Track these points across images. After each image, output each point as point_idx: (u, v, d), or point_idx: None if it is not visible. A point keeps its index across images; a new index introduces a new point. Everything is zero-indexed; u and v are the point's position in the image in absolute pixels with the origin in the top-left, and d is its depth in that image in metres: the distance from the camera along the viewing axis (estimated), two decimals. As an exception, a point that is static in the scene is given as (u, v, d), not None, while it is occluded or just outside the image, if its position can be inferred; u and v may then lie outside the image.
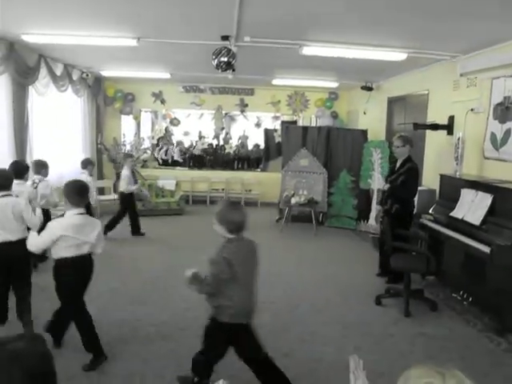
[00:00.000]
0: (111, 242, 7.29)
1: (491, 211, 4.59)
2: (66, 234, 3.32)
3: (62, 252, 3.39)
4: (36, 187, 5.31)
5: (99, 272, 5.62)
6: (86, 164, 7.29)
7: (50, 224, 3.44)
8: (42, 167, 5.74)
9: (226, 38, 5.65)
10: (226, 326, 2.93)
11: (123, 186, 7.65)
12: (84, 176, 6.59)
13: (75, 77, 8.76)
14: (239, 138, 15.30)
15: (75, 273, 3.48)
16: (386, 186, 5.59)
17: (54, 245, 3.36)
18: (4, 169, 4.21)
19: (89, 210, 5.50)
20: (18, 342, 1.26)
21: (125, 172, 7.74)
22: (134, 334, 4.10)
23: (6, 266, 3.92)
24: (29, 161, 6.88)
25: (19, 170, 4.87)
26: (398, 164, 5.60)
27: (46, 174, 5.78)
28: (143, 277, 5.64)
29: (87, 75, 9.06)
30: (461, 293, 4.94)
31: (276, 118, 14.92)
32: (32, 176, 5.57)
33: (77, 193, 3.44)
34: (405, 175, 5.34)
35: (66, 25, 5.41)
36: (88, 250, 3.55)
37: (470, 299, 4.78)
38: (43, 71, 7.28)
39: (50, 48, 6.69)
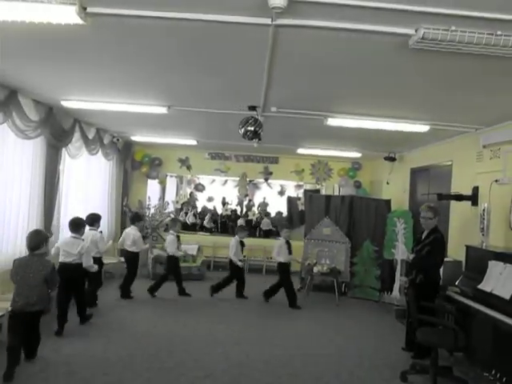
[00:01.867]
0: (127, 305, 7.24)
1: (521, 285, 4.43)
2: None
3: None
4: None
5: (115, 337, 5.60)
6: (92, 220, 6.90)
7: None
8: (95, 221, 6.81)
9: (253, 108, 5.87)
10: None
11: (171, 250, 7.97)
12: (93, 232, 6.69)
13: (106, 141, 9.12)
14: (259, 205, 15.43)
15: None
16: (412, 256, 5.50)
17: None
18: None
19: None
20: None
21: (171, 236, 8.09)
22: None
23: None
24: (55, 220, 7.06)
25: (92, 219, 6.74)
26: (424, 234, 5.51)
27: (98, 227, 6.85)
28: (159, 342, 5.52)
29: (118, 140, 9.42)
30: (493, 372, 4.66)
31: (299, 186, 15.09)
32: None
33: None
34: (431, 245, 5.26)
35: (101, 93, 5.72)
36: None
37: (504, 380, 4.51)
38: (77, 135, 7.62)
39: (84, 113, 7.04)
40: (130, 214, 9.15)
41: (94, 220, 6.71)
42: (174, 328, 6.11)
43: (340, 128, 6.59)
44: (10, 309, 4.37)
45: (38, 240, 4.51)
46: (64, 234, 7.68)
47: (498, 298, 4.61)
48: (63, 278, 5.26)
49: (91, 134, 8.34)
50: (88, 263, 5.80)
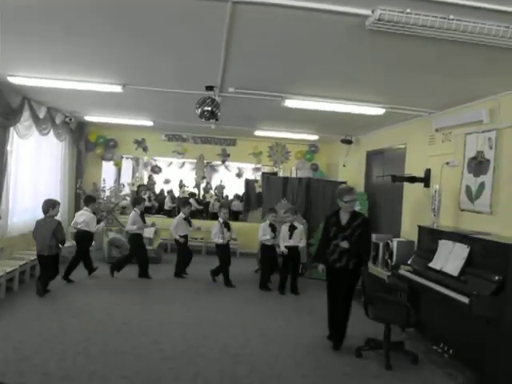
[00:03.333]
0: (82, 289, 7.11)
1: (469, 262, 4.63)
2: None
3: None
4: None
5: (71, 321, 5.50)
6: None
7: None
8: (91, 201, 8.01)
9: (210, 88, 5.78)
10: None
11: (133, 228, 8.09)
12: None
13: (58, 120, 8.80)
14: (215, 188, 15.39)
15: None
16: (346, 243, 5.01)
17: None
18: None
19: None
20: None
21: (134, 213, 8.22)
22: (104, 384, 3.91)
23: None
24: (3, 204, 6.80)
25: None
26: (343, 218, 5.15)
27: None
28: (116, 325, 5.45)
29: (70, 120, 9.10)
30: (441, 345, 4.88)
31: (257, 169, 15.12)
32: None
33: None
34: (362, 227, 5.07)
35: (52, 69, 5.47)
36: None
37: (451, 352, 4.72)
38: (26, 114, 7.29)
39: (34, 91, 6.73)
40: (84, 197, 8.94)
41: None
42: (130, 311, 6.04)
43: (297, 110, 6.61)
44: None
45: (46, 206, 6.59)
46: (15, 217, 7.44)
47: (447, 275, 4.79)
48: None
49: (42, 113, 8.02)
50: None
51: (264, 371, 4.39)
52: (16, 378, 3.86)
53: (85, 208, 7.85)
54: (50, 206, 6.58)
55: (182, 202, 9.43)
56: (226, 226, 7.95)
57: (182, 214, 8.45)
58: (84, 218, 7.63)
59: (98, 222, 8.04)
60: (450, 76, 4.64)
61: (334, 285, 5.22)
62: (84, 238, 7.70)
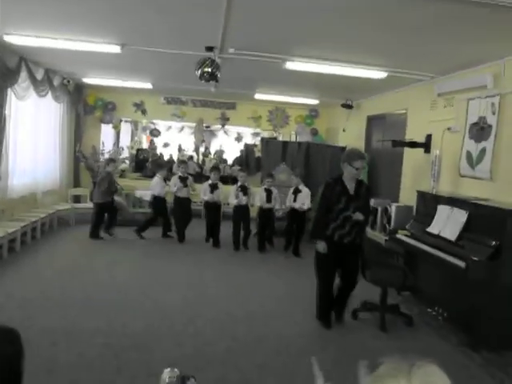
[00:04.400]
0: (81, 250, 7.19)
1: (467, 227, 4.67)
2: None
3: None
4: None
5: (73, 281, 5.59)
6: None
7: None
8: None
9: (210, 48, 5.68)
10: None
11: (158, 191, 8.30)
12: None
13: (56, 83, 8.69)
14: (215, 153, 15.31)
15: None
16: (359, 215, 4.50)
17: None
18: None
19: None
20: None
21: (156, 178, 8.39)
22: (107, 342, 3.99)
23: None
24: (3, 164, 6.78)
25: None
26: (350, 187, 4.60)
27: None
28: (117, 285, 5.54)
29: (68, 82, 8.99)
30: (436, 308, 4.98)
31: (256, 134, 15.02)
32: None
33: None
34: (366, 197, 4.71)
35: (50, 28, 5.36)
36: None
37: (445, 314, 4.83)
38: (23, 74, 7.18)
39: (31, 51, 6.62)
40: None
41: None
42: (131, 271, 6.13)
43: (298, 72, 6.52)
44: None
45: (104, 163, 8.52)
46: (15, 179, 7.44)
47: (444, 239, 4.85)
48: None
49: (40, 75, 7.90)
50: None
51: (261, 331, 4.49)
52: (21, 335, 3.93)
53: (156, 174, 8.50)
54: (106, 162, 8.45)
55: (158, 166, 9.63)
56: (243, 189, 7.94)
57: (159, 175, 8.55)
58: (151, 183, 8.43)
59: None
60: (453, 39, 4.56)
61: (336, 262, 4.63)
62: (153, 201, 8.40)
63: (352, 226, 4.54)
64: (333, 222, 4.56)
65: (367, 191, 4.73)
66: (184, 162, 9.28)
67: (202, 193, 8.16)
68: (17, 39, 5.84)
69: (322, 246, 4.56)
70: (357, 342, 4.40)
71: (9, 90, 6.85)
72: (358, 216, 4.49)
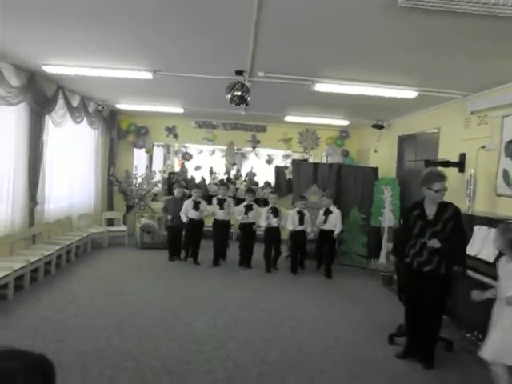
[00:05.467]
0: (114, 272, 7.26)
1: (505, 248, 4.49)
2: None
3: None
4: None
5: (106, 303, 5.64)
6: None
7: None
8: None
9: (240, 72, 5.76)
10: None
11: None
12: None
13: (91, 109, 8.96)
14: (247, 175, 15.36)
15: None
16: (436, 242, 4.10)
17: None
18: None
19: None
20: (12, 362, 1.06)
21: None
22: (138, 366, 3.99)
23: None
24: (40, 188, 6.98)
25: None
26: (429, 210, 4.27)
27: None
28: (149, 308, 5.56)
29: (103, 108, 9.25)
30: (475, 333, 4.78)
31: (287, 156, 15.04)
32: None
33: None
34: (454, 220, 4.16)
35: (84, 57, 5.56)
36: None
37: (485, 340, 4.62)
38: (60, 102, 7.45)
39: (68, 79, 6.87)
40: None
41: None
42: (162, 294, 6.15)
43: (328, 94, 6.52)
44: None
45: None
46: (51, 203, 7.64)
47: (482, 261, 4.68)
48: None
49: (75, 102, 8.17)
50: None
51: (295, 356, 4.40)
52: (54, 357, 3.94)
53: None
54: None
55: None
56: (274, 211, 7.94)
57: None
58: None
59: (131, 208, 8.20)
60: (486, 56, 4.48)
61: (418, 291, 4.26)
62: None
63: (430, 254, 4.15)
64: (412, 248, 4.27)
65: (455, 215, 4.19)
66: (224, 184, 9.35)
67: (236, 214, 8.21)
68: (54, 69, 6.08)
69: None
70: (392, 366, 4.26)
71: (46, 117, 7.10)
72: (434, 243, 4.09)
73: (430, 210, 4.25)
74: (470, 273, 4.70)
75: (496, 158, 5.59)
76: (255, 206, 8.26)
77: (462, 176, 6.30)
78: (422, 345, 4.33)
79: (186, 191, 9.69)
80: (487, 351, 3.47)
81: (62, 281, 6.50)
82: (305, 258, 8.12)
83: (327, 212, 7.74)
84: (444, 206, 4.23)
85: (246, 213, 8.05)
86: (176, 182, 9.73)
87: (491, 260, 4.55)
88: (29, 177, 6.70)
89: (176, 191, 8.61)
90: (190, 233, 8.19)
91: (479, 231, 5.01)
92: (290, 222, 7.90)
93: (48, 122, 7.21)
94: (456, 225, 4.12)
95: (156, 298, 6.00)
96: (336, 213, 7.77)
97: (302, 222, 7.82)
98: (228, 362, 4.17)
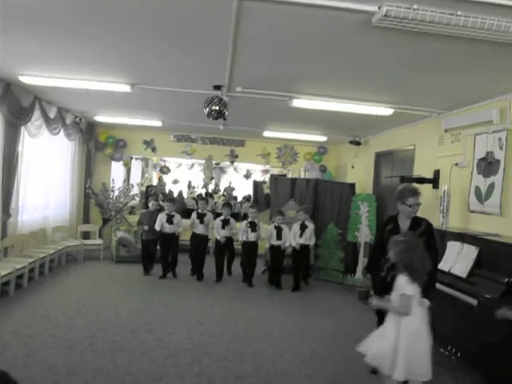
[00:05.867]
0: (87, 286, 7.14)
1: (477, 263, 4.58)
2: None
3: None
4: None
5: (78, 318, 5.53)
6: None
7: None
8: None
9: (218, 87, 5.80)
10: None
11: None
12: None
13: (68, 121, 8.87)
14: (225, 189, 15.38)
15: None
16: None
17: None
18: None
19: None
20: None
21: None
22: (110, 382, 3.91)
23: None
24: (14, 200, 6.85)
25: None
26: (404, 224, 4.35)
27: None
28: (122, 323, 5.46)
29: (80, 119, 9.17)
30: (449, 347, 4.83)
31: (266, 171, 15.12)
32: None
33: None
34: (426, 235, 4.12)
35: (62, 69, 5.52)
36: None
37: (459, 354, 4.67)
38: (37, 113, 7.35)
39: (45, 90, 6.80)
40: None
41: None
42: (137, 308, 6.06)
43: (306, 110, 6.60)
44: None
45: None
46: (25, 215, 7.50)
47: (455, 276, 4.75)
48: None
49: (52, 113, 8.09)
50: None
51: (269, 371, 4.37)
52: (23, 372, 3.90)
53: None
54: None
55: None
56: (252, 226, 7.95)
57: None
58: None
59: (107, 222, 8.09)
60: (459, 75, 4.61)
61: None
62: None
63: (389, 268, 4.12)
64: (386, 262, 4.17)
65: (427, 230, 4.21)
66: (204, 198, 9.34)
67: (215, 229, 8.20)
68: (31, 79, 6.01)
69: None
70: (367, 381, 4.27)
71: (22, 127, 7.00)
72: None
73: (404, 225, 4.31)
74: (443, 288, 4.75)
75: (469, 175, 5.72)
76: (232, 220, 8.26)
77: (436, 192, 6.42)
78: None
79: (163, 204, 9.64)
80: (397, 371, 3.27)
81: (33, 295, 6.36)
82: (281, 272, 8.11)
83: (303, 226, 7.79)
84: (417, 221, 4.28)
85: (223, 227, 8.05)
86: (152, 195, 9.67)
87: (464, 275, 4.63)
88: (2, 188, 6.57)
89: (151, 204, 8.55)
90: (164, 247, 8.14)
91: (452, 246, 5.08)
92: (268, 236, 7.94)
93: (24, 132, 7.11)
94: (428, 240, 4.07)
95: (130, 312, 5.92)
96: (311, 227, 7.85)
97: (279, 236, 7.85)
98: (202, 377, 4.12)
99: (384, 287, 4.22)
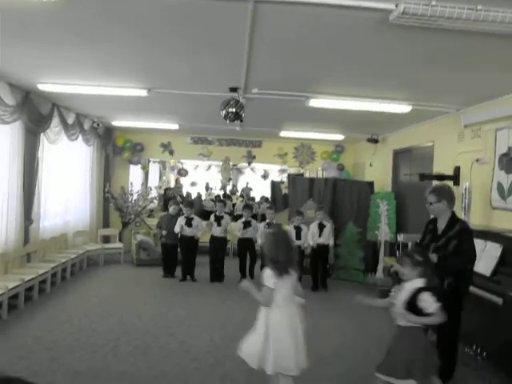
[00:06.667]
0: (109, 290, 7.20)
1: (501, 261, 4.50)
2: None
3: None
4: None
5: (101, 322, 5.58)
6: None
7: None
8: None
9: (234, 89, 5.80)
10: None
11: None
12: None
13: (86, 126, 8.97)
14: (242, 190, 15.38)
15: None
16: (434, 257, 4.00)
17: None
18: None
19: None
20: None
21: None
22: (133, 384, 3.94)
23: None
24: (35, 206, 6.95)
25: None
26: (441, 225, 4.24)
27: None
28: (145, 326, 5.50)
29: (98, 125, 9.26)
30: (474, 347, 4.75)
31: (282, 171, 15.08)
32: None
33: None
34: (458, 238, 4.03)
35: (80, 76, 5.59)
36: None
37: (484, 354, 4.59)
38: (55, 120, 7.46)
39: (63, 97, 6.89)
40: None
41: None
42: (158, 311, 6.09)
43: (322, 109, 6.57)
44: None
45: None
46: (46, 220, 7.61)
47: (479, 275, 4.66)
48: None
49: (71, 119, 8.19)
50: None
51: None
52: (48, 377, 3.95)
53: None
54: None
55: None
56: (270, 227, 7.93)
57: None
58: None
59: (126, 225, 8.12)
60: (478, 70, 4.53)
61: None
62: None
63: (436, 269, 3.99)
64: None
65: (460, 233, 4.05)
66: (222, 201, 9.35)
67: (236, 230, 8.24)
68: (50, 87, 6.11)
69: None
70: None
71: (41, 134, 7.10)
72: (431, 258, 3.91)
73: (441, 225, 4.22)
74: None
75: (490, 171, 5.62)
76: (253, 221, 8.27)
77: (457, 189, 6.32)
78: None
79: (181, 207, 9.66)
80: (268, 365, 3.30)
81: (56, 299, 6.44)
82: (301, 272, 8.07)
83: (321, 226, 7.76)
84: (453, 223, 4.15)
85: (244, 228, 8.07)
86: (172, 199, 9.70)
87: (488, 274, 4.54)
88: (24, 195, 6.68)
89: (171, 208, 8.55)
90: (183, 250, 8.18)
91: (475, 245, 4.99)
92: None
93: (43, 139, 7.21)
94: (459, 244, 4.00)
95: (152, 315, 5.95)
96: (329, 226, 7.81)
97: (298, 236, 7.82)
98: (225, 380, 4.12)
99: None
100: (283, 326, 3.26)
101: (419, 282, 3.34)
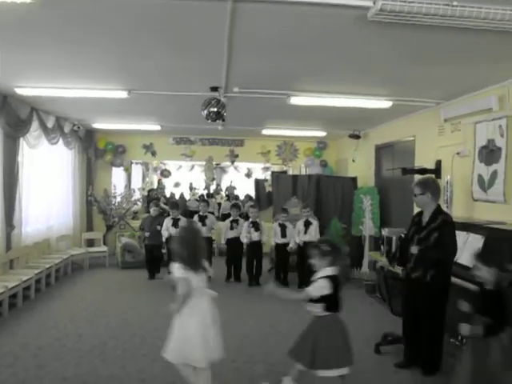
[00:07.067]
0: (95, 294, 7.15)
1: (484, 252, 4.55)
2: None
3: None
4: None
5: (87, 327, 5.53)
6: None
7: None
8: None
9: (215, 89, 5.78)
10: None
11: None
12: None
13: (67, 129, 8.86)
14: (227, 189, 15.37)
15: None
16: (415, 248, 4.19)
17: None
18: None
19: None
20: None
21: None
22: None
23: None
24: (17, 211, 6.85)
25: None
26: (425, 217, 4.34)
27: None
28: (132, 329, 5.46)
29: (78, 128, 9.15)
30: (459, 337, 4.81)
31: (266, 169, 15.10)
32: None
33: None
34: (439, 230, 4.14)
35: (58, 79, 5.52)
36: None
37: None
38: (35, 124, 7.35)
39: (42, 101, 6.79)
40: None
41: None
42: (145, 314, 6.05)
43: (304, 107, 6.59)
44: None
45: None
46: (28, 226, 7.50)
47: (462, 266, 4.73)
48: None
49: (50, 123, 8.08)
50: None
51: (281, 371, 4.36)
52: (35, 385, 3.90)
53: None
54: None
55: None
56: (254, 225, 7.95)
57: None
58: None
59: (111, 228, 8.06)
60: (456, 64, 4.58)
61: (409, 298, 4.40)
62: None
63: (416, 261, 4.21)
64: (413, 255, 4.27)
65: (442, 225, 4.15)
66: (205, 200, 9.34)
67: (223, 230, 8.24)
68: (28, 91, 6.01)
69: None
70: (379, 376, 4.26)
71: (21, 139, 6.99)
72: (413, 249, 4.18)
73: (425, 217, 4.32)
74: (452, 278, 4.74)
75: (471, 164, 5.70)
76: (241, 220, 8.26)
77: (439, 182, 6.39)
78: (419, 352, 4.35)
79: (166, 207, 9.62)
80: (169, 352, 3.56)
81: (42, 306, 6.36)
82: (287, 270, 8.11)
83: (307, 223, 7.79)
84: (436, 215, 4.24)
85: (231, 228, 8.06)
86: (153, 201, 9.64)
87: (471, 265, 4.60)
88: (4, 200, 6.57)
89: (152, 210, 8.52)
90: (170, 252, 8.12)
91: (458, 237, 5.05)
92: (272, 234, 7.93)
93: (23, 144, 7.10)
94: (440, 236, 4.11)
95: (139, 318, 5.92)
96: (315, 224, 7.84)
97: (284, 234, 7.85)
98: (214, 381, 4.10)
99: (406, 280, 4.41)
100: (190, 316, 3.53)
101: (329, 271, 3.58)
